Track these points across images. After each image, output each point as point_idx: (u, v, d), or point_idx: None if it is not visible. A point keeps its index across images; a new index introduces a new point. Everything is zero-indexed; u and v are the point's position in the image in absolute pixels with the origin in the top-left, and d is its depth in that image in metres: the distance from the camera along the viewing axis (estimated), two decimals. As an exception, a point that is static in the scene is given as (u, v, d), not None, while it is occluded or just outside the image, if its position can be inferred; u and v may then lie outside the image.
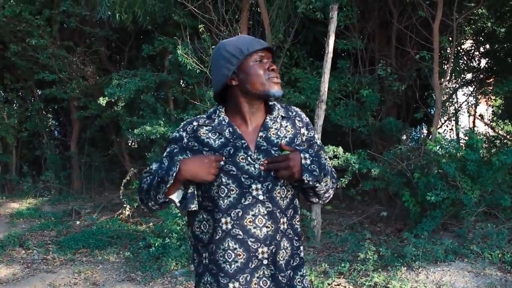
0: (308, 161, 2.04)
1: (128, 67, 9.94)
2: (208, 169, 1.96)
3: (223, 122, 2.10)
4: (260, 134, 2.09)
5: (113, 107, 8.23)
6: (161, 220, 6.92)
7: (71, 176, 11.02)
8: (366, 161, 6.55)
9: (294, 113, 2.21)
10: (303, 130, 2.19)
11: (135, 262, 5.93)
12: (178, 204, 2.05)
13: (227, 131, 2.08)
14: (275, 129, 2.13)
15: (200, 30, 7.03)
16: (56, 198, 10.03)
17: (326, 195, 2.18)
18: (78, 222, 8.00)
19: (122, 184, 7.29)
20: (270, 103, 2.17)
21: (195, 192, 2.05)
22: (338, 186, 2.15)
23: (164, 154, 2.13)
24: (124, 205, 7.64)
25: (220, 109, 2.13)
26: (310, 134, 2.22)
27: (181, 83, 9.62)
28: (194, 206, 2.04)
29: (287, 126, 2.16)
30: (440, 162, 6.09)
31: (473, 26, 9.24)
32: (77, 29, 9.59)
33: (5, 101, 11.72)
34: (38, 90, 11.60)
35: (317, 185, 2.07)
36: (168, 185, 1.97)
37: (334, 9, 6.19)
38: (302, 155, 2.03)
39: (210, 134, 2.09)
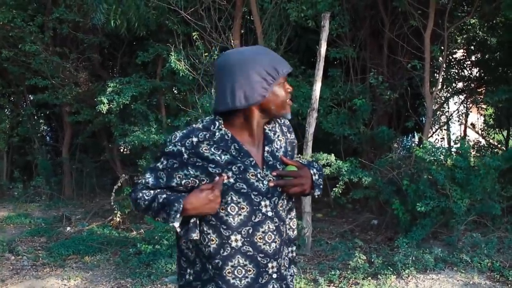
0: (317, 176, 2.08)
1: (121, 74, 9.94)
2: (214, 203, 1.92)
3: (226, 137, 1.99)
4: (266, 149, 2.05)
5: (106, 114, 8.20)
6: (152, 227, 6.90)
7: (62, 182, 10.94)
8: (358, 169, 6.57)
9: (282, 119, 2.18)
10: (288, 135, 2.19)
11: (125, 268, 5.91)
12: (178, 230, 2.00)
13: (232, 147, 1.98)
14: (275, 140, 2.11)
15: (194, 37, 7.05)
16: (47, 204, 9.96)
17: None
18: (68, 228, 7.95)
19: (113, 191, 7.26)
20: None
21: (197, 222, 1.99)
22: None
23: (161, 167, 2.02)
24: (115, 212, 7.61)
25: (219, 121, 2.01)
26: (292, 136, 2.22)
27: (173, 90, 9.62)
28: (195, 236, 1.98)
29: (279, 135, 2.13)
30: (430, 169, 6.11)
31: (465, 36, 9.30)
32: (70, 35, 9.57)
33: (-4, 106, 11.68)
34: (30, 96, 11.54)
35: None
36: (169, 222, 1.96)
37: (326, 17, 6.23)
38: (311, 172, 2.06)
39: (213, 150, 1.97)
